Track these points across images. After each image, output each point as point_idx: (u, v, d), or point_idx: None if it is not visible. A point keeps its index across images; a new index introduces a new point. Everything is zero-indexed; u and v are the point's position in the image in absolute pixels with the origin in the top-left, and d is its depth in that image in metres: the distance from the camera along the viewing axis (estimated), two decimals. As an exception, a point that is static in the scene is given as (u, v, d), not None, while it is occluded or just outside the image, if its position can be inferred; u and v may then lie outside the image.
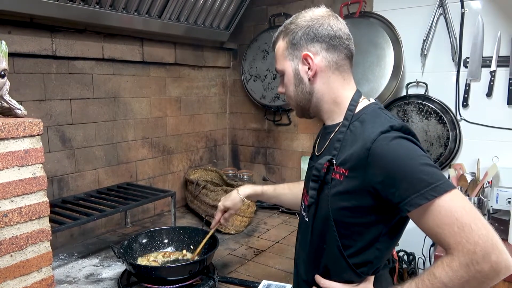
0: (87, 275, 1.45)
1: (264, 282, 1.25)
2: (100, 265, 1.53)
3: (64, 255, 1.62)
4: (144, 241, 1.40)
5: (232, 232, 1.87)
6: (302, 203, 1.01)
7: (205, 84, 2.42)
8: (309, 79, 0.91)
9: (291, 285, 1.25)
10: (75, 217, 1.44)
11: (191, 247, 1.44)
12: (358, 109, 0.90)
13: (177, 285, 1.20)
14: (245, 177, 2.39)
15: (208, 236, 1.35)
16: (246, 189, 1.30)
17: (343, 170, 0.84)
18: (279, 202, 1.33)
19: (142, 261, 1.32)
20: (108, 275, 1.44)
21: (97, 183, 1.83)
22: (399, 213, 0.79)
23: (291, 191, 1.28)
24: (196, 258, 1.33)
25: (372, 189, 0.79)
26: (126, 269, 1.30)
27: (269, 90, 2.36)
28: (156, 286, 1.19)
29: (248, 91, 2.46)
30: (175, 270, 1.17)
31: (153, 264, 1.32)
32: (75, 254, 1.63)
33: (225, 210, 1.32)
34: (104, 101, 1.83)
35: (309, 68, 0.90)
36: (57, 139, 1.65)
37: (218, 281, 1.30)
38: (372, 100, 0.93)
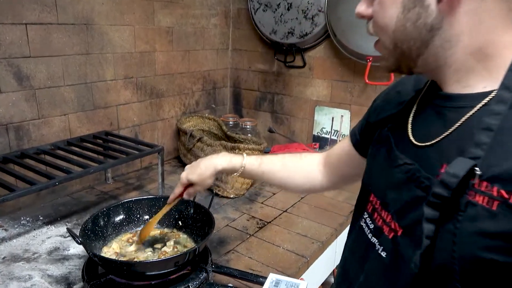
0: (51, 250, 1.17)
1: (272, 277, 0.97)
2: (69, 236, 1.25)
3: (27, 219, 1.33)
4: (118, 218, 1.09)
5: (232, 196, 1.58)
6: (371, 222, 0.63)
7: (204, 12, 1.98)
8: (438, 1, 0.49)
9: (306, 283, 0.97)
10: (31, 180, 1.12)
11: (179, 223, 1.15)
12: None
13: (159, 280, 0.91)
14: (248, 127, 2.05)
15: (161, 212, 1.04)
16: (219, 161, 0.96)
17: (501, 192, 0.44)
18: (266, 180, 1.00)
19: (116, 245, 1.02)
20: (76, 251, 1.16)
21: (67, 132, 1.49)
22: None
23: (285, 167, 0.95)
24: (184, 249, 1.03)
25: None
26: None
27: (282, 23, 1.93)
28: (133, 282, 0.91)
29: (256, 24, 2.03)
30: (156, 265, 0.87)
31: (132, 250, 1.02)
32: (41, 218, 1.34)
33: (190, 184, 1.00)
34: (73, 29, 1.43)
35: None
36: (10, 76, 1.28)
37: (213, 271, 1.01)
38: None
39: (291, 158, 0.97)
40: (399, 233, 0.56)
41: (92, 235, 1.00)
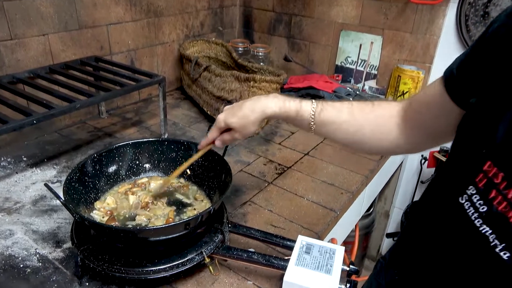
0: (36, 199, 0.99)
1: (302, 241, 0.80)
2: (57, 181, 1.07)
3: (8, 159, 1.14)
4: (113, 166, 0.89)
5: (244, 136, 1.37)
6: (482, 203, 0.44)
7: None
8: None
9: (343, 248, 0.80)
10: (3, 118, 0.90)
11: (187, 171, 0.95)
12: None
13: (164, 247, 0.74)
14: (260, 54, 1.78)
15: (190, 161, 0.85)
16: (270, 103, 0.75)
17: None
18: (325, 134, 0.76)
19: (111, 199, 0.83)
20: (66, 200, 0.98)
21: (49, 56, 1.24)
22: None
23: (353, 118, 0.72)
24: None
25: None
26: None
27: None
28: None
29: None
30: (162, 231, 0.69)
31: (130, 204, 0.84)
32: (24, 158, 1.15)
33: (226, 129, 0.79)
34: None
35: None
36: (-35, -19, 1.00)
37: (229, 232, 0.84)
38: None
39: (360, 106, 0.73)
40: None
41: (80, 187, 0.80)
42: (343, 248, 0.80)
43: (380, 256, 0.81)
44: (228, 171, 0.83)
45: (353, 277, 0.78)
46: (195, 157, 0.85)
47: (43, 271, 0.78)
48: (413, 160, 1.75)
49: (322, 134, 0.76)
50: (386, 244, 2.04)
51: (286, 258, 0.78)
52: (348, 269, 0.77)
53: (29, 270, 0.78)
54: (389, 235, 1.88)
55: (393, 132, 0.69)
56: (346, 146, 0.78)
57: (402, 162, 1.75)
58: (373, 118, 0.71)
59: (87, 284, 0.75)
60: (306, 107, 0.74)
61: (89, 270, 0.76)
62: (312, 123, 0.74)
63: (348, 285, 0.71)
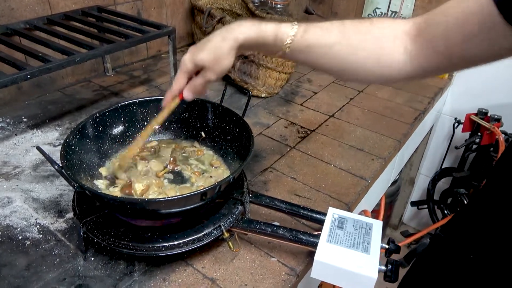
0: (37, 163, 0.90)
1: (333, 213, 0.70)
2: (60, 144, 0.97)
3: (7, 120, 1.05)
4: (118, 127, 0.78)
5: (263, 96, 1.25)
6: None
7: None
8: None
9: (380, 223, 0.70)
10: (-7, 72, 0.80)
11: (202, 133, 0.84)
12: None
13: (176, 219, 0.65)
14: (278, 6, 1.61)
15: (152, 124, 0.70)
16: (243, 29, 0.61)
17: None
18: (312, 61, 0.63)
19: (118, 162, 0.73)
20: (70, 165, 0.89)
21: (46, 5, 1.11)
22: None
23: (345, 38, 0.59)
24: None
25: None
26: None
27: None
28: (141, 222, 0.64)
29: None
30: (174, 202, 0.59)
31: (140, 170, 0.74)
32: (24, 119, 1.06)
33: (197, 70, 0.64)
34: None
35: None
36: None
37: (250, 202, 0.74)
38: None
39: (355, 25, 0.59)
40: None
41: (81, 151, 0.71)
42: (381, 222, 0.70)
43: (433, 232, 0.71)
44: (249, 134, 0.72)
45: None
46: (160, 118, 0.68)
47: (44, 243, 0.70)
48: (444, 124, 1.62)
49: (302, 60, 0.63)
50: (409, 212, 1.94)
51: (316, 233, 0.68)
52: (387, 246, 0.67)
53: (28, 242, 0.70)
54: (413, 203, 1.78)
55: (398, 57, 0.57)
56: (333, 74, 0.66)
57: (432, 126, 1.61)
58: (371, 39, 0.58)
59: (92, 259, 0.67)
60: (285, 29, 0.60)
61: (94, 244, 0.68)
62: (288, 43, 0.60)
63: (389, 266, 0.62)
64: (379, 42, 0.58)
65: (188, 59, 0.63)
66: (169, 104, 0.67)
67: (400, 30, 0.58)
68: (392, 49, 0.58)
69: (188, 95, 0.65)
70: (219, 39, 0.61)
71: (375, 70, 0.60)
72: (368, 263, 0.61)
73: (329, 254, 0.63)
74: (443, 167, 1.67)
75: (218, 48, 0.61)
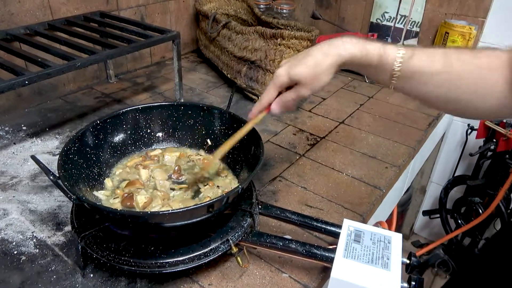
0: (35, 173, 0.86)
1: (348, 226, 0.65)
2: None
3: (6, 128, 1.01)
4: (120, 135, 0.74)
5: (270, 102, 1.21)
6: None
7: None
8: None
9: (400, 235, 0.65)
10: (-10, 78, 0.76)
11: (208, 141, 0.80)
12: None
13: (181, 232, 0.60)
14: (284, 11, 1.57)
15: (244, 130, 0.68)
16: (349, 45, 0.58)
17: None
18: (410, 90, 0.59)
19: (118, 172, 0.69)
20: (69, 175, 0.85)
21: (47, 11, 1.08)
22: None
23: (450, 68, 0.55)
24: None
25: None
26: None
27: None
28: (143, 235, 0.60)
29: None
30: (179, 215, 0.55)
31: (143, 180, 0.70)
32: (24, 127, 1.02)
33: (288, 86, 0.62)
34: None
35: None
36: None
37: (259, 214, 0.70)
38: None
39: (457, 53, 0.55)
40: None
41: (80, 161, 0.66)
42: (400, 235, 0.65)
43: (446, 243, 0.65)
44: (259, 141, 0.68)
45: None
46: (244, 130, 0.67)
47: (40, 259, 0.66)
48: (456, 130, 1.57)
49: (405, 90, 0.59)
50: (420, 221, 1.88)
51: (331, 247, 0.63)
52: (408, 261, 0.62)
53: (24, 257, 0.66)
54: (425, 213, 1.72)
55: (500, 88, 0.52)
56: (435, 106, 0.62)
57: (444, 133, 1.57)
58: (475, 70, 0.54)
59: (91, 275, 0.63)
60: (391, 51, 0.57)
61: (93, 259, 0.63)
62: (396, 73, 0.56)
63: (412, 283, 0.57)
64: (482, 72, 0.54)
65: (283, 73, 0.61)
66: (256, 116, 0.66)
67: (500, 60, 0.53)
68: (494, 80, 0.53)
69: (276, 110, 0.64)
70: (320, 54, 0.58)
71: (478, 102, 0.56)
72: (389, 280, 0.56)
73: (347, 271, 0.58)
74: (455, 175, 1.62)
75: (319, 63, 0.58)
